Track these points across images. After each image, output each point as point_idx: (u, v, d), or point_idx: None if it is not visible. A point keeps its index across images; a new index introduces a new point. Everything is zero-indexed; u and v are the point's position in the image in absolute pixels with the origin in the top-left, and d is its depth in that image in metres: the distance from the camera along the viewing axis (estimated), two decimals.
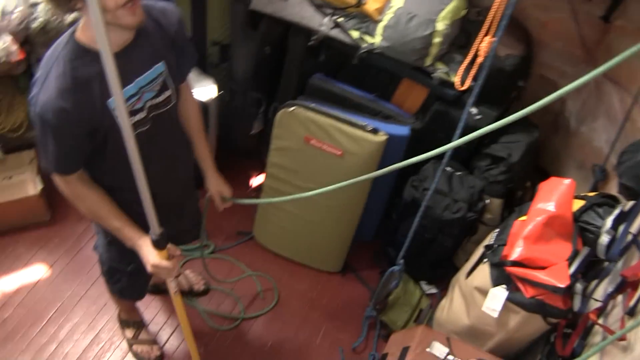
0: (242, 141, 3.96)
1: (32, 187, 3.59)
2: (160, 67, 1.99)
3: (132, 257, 2.08)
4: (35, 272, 3.52)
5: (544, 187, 2.68)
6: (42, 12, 3.27)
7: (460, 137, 1.85)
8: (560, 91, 1.30)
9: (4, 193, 3.56)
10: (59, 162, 1.92)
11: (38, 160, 3.64)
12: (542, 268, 2.44)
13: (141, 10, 1.75)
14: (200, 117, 2.46)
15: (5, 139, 3.70)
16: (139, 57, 1.91)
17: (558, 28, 3.09)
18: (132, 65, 1.89)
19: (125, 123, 1.52)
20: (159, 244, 1.95)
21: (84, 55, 1.77)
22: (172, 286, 2.26)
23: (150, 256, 1.98)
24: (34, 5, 3.27)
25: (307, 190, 2.33)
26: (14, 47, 3.15)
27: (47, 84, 1.76)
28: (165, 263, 1.99)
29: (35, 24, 3.27)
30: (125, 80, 1.87)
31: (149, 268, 2.01)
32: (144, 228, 1.97)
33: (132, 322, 3.22)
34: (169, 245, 2.00)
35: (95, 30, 1.31)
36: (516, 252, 2.47)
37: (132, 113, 1.95)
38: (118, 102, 1.47)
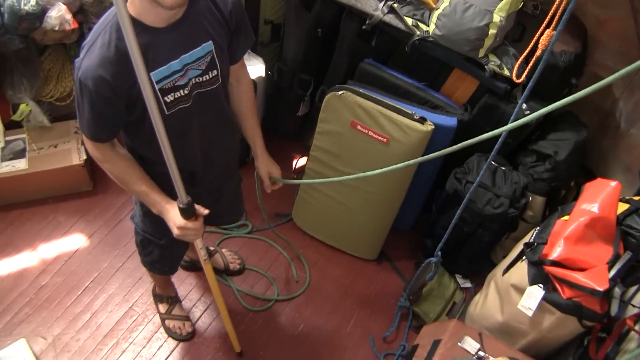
0: (287, 122, 3.98)
1: (77, 156, 3.63)
2: (208, 46, 1.97)
3: (166, 230, 2.09)
4: (74, 241, 3.57)
5: (590, 187, 2.64)
6: None
7: (510, 132, 1.82)
8: (605, 80, 1.28)
9: (48, 161, 3.61)
10: (91, 129, 1.93)
11: None
12: (582, 270, 2.40)
13: None
14: (253, 98, 2.46)
15: (53, 107, 3.75)
16: (186, 34, 1.90)
17: (616, 27, 3.02)
18: (179, 41, 1.89)
19: (148, 95, 1.56)
20: (186, 212, 1.96)
21: None
22: (202, 254, 2.27)
23: (177, 219, 1.99)
24: None
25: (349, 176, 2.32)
26: (68, 16, 3.18)
27: (92, 51, 1.77)
28: (191, 224, 1.99)
29: None
30: (170, 56, 1.88)
31: (175, 231, 2.02)
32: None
33: (166, 297, 3.25)
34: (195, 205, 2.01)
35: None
36: (556, 251, 2.44)
37: (174, 89, 1.94)
38: (141, 76, 1.50)
